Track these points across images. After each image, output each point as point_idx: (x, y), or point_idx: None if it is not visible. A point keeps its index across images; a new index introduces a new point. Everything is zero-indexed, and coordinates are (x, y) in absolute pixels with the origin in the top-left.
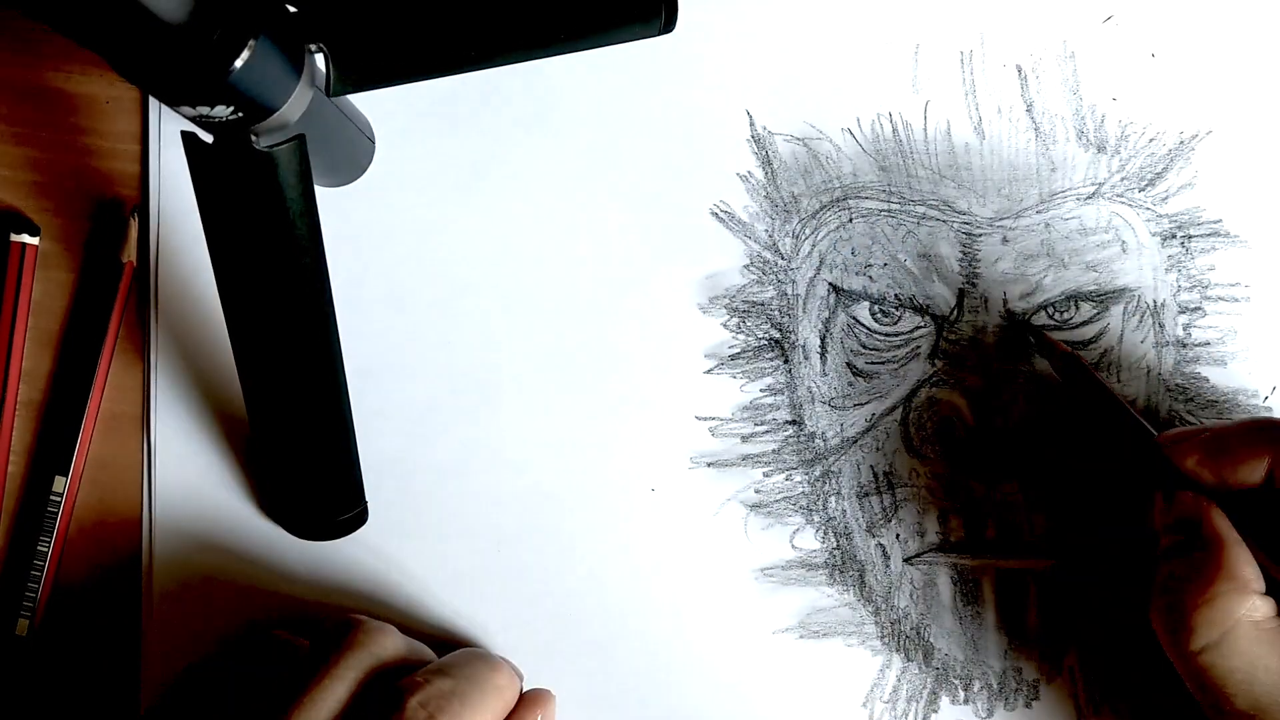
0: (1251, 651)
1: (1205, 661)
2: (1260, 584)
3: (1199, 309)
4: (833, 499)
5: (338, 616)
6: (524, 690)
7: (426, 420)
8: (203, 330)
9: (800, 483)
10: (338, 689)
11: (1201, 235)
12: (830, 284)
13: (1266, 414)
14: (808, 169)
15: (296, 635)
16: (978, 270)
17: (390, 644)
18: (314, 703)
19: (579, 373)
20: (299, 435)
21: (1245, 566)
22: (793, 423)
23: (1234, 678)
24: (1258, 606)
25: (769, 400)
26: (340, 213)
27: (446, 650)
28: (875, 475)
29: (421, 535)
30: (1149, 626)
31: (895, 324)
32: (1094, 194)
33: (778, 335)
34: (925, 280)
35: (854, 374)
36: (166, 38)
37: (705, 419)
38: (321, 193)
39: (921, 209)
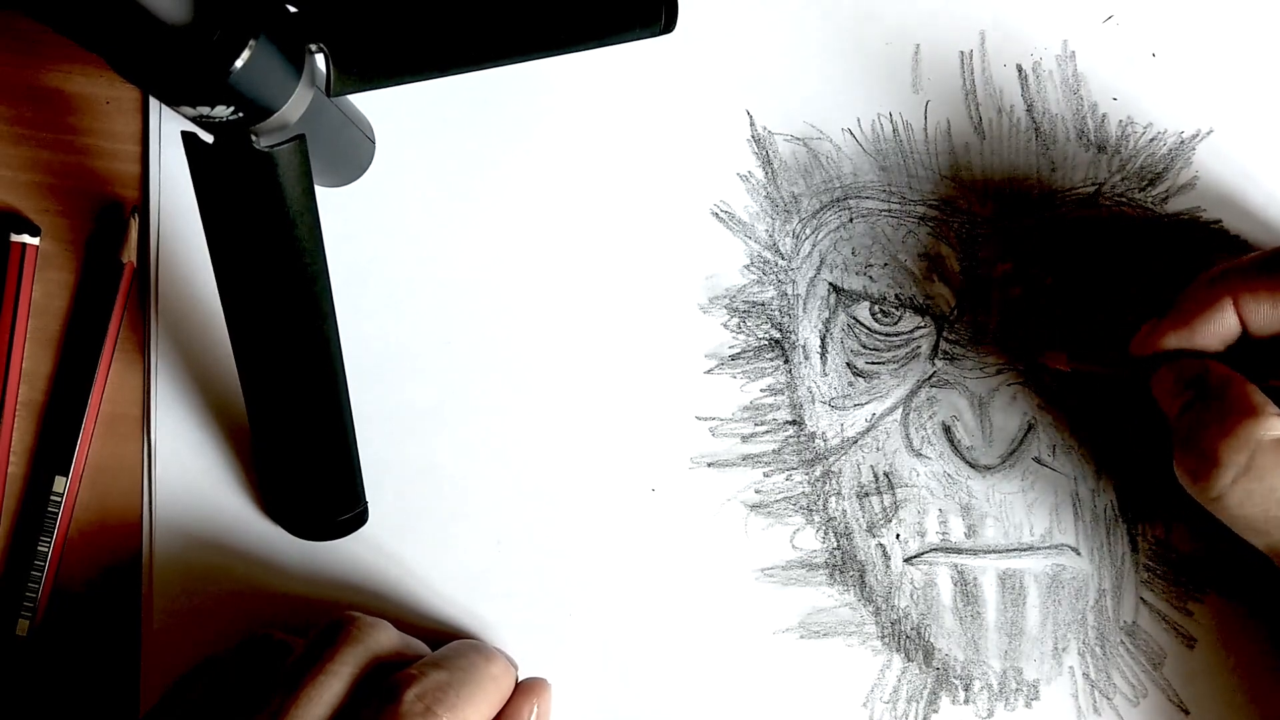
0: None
1: (1240, 492)
2: (1274, 408)
3: None
4: (833, 499)
5: (333, 615)
6: (520, 680)
7: (426, 420)
8: (203, 330)
9: (800, 483)
10: (334, 685)
11: (1201, 236)
12: (830, 284)
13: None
14: (808, 169)
15: (292, 637)
16: (978, 270)
17: (384, 638)
18: (310, 699)
19: (579, 373)
20: (299, 435)
21: (1255, 394)
22: (793, 423)
23: (1274, 497)
24: (1276, 425)
25: (769, 400)
26: (340, 213)
27: None
28: (875, 475)
29: (421, 535)
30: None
31: (895, 324)
32: (1094, 194)
33: (778, 335)
34: (925, 280)
35: (854, 374)
36: (166, 38)
37: (705, 419)
38: (321, 193)
39: (921, 209)
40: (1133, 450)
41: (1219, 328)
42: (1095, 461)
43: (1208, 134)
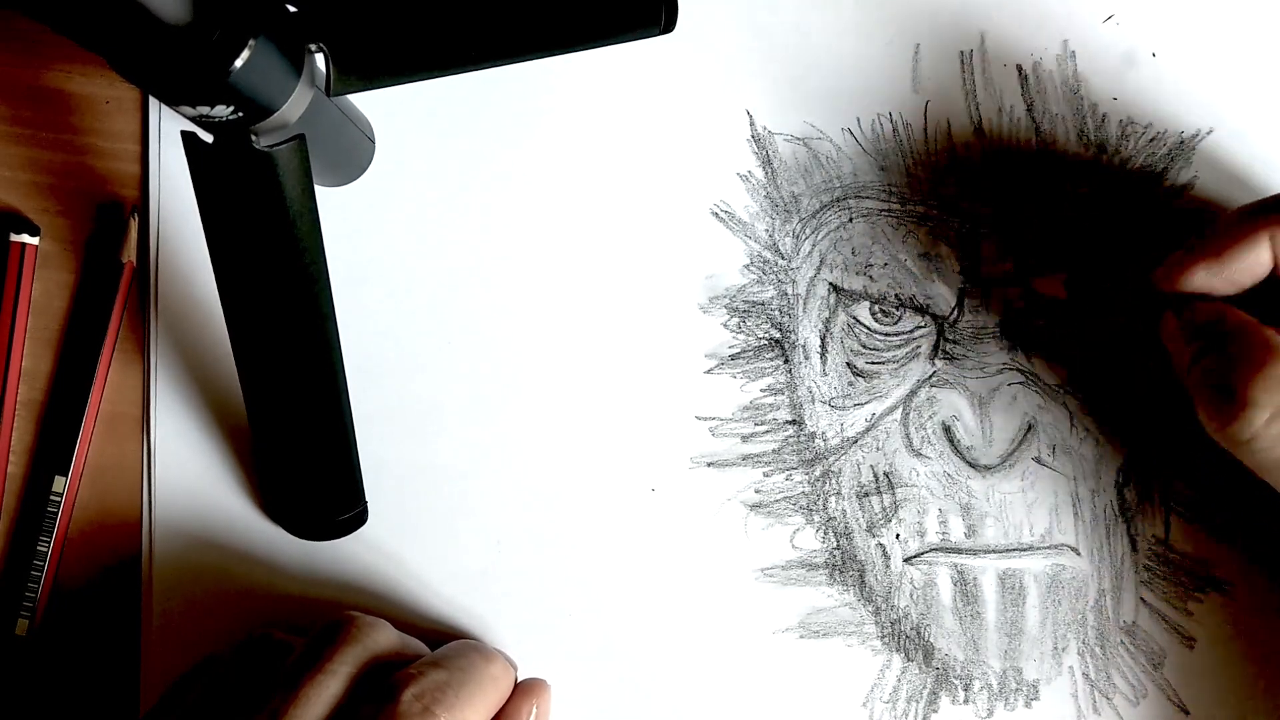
0: None
1: (1274, 434)
2: None
3: None
4: (833, 499)
5: (333, 615)
6: (519, 680)
7: (426, 420)
8: (203, 330)
9: (800, 483)
10: (332, 684)
11: None
12: (830, 284)
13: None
14: (808, 169)
15: (292, 636)
16: (978, 270)
17: (383, 638)
18: (308, 699)
19: (579, 373)
20: (299, 435)
21: (1275, 337)
22: (793, 423)
23: None
24: None
25: (769, 400)
26: (340, 213)
27: None
28: (875, 475)
29: (421, 535)
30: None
31: (895, 324)
32: (1094, 194)
33: (778, 335)
34: (925, 280)
35: (854, 374)
36: (166, 38)
37: (705, 419)
38: (321, 193)
39: (921, 209)
40: (1133, 450)
41: (1252, 264)
42: (1095, 461)
43: (1208, 134)
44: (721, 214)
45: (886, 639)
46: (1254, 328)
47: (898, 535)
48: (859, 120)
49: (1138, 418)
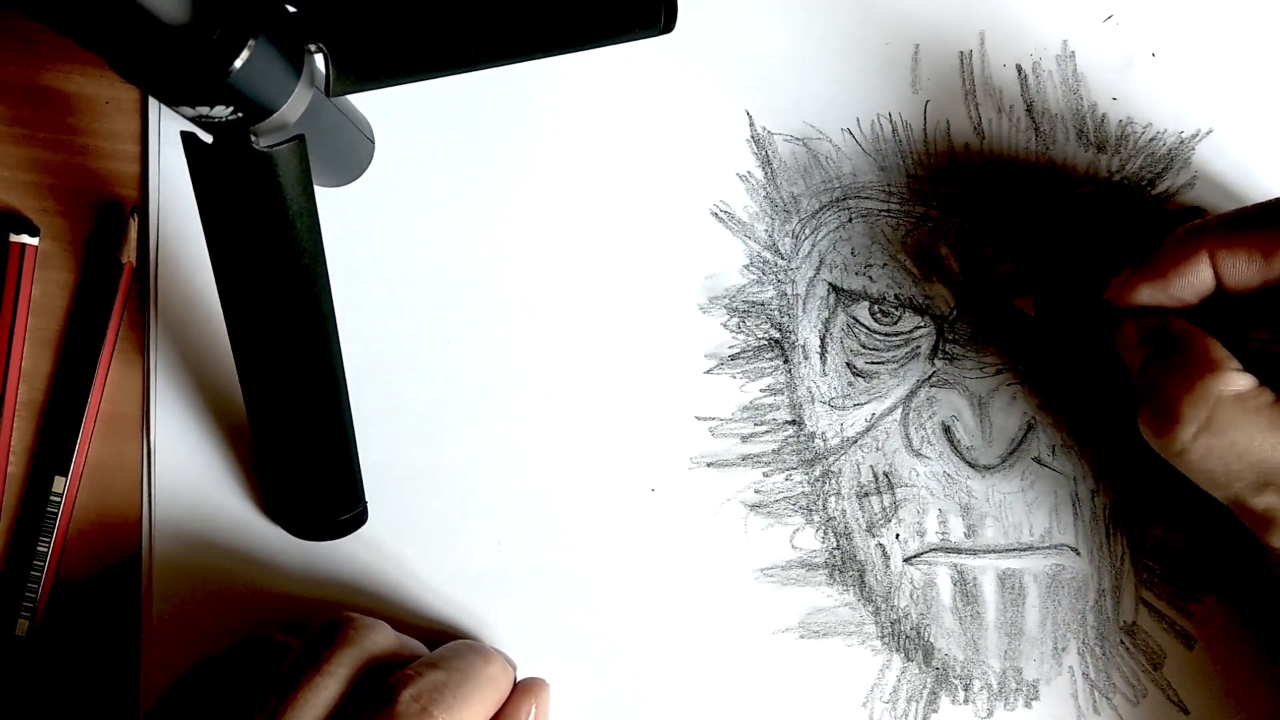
0: (1240, 422)
1: (1202, 446)
2: (1235, 363)
3: None
4: (833, 499)
5: (332, 615)
6: (518, 680)
7: (426, 420)
8: (203, 330)
9: (800, 483)
10: (330, 686)
11: None
12: (830, 284)
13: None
14: (807, 169)
15: (291, 637)
16: (978, 270)
17: (381, 639)
18: (306, 701)
19: (579, 373)
20: (299, 435)
21: (1216, 349)
22: (793, 423)
23: (1234, 451)
24: (1236, 380)
25: (769, 400)
26: (340, 213)
27: None
28: (875, 475)
29: (421, 535)
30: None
31: (895, 324)
32: (1094, 194)
33: (777, 335)
34: (925, 280)
35: (854, 374)
36: (166, 38)
37: (705, 419)
38: (321, 193)
39: (921, 209)
40: (1132, 450)
41: (1194, 281)
42: (1095, 461)
43: (1207, 134)
44: (721, 214)
45: (886, 639)
46: (1193, 339)
47: (897, 535)
48: (858, 120)
49: (1135, 419)
